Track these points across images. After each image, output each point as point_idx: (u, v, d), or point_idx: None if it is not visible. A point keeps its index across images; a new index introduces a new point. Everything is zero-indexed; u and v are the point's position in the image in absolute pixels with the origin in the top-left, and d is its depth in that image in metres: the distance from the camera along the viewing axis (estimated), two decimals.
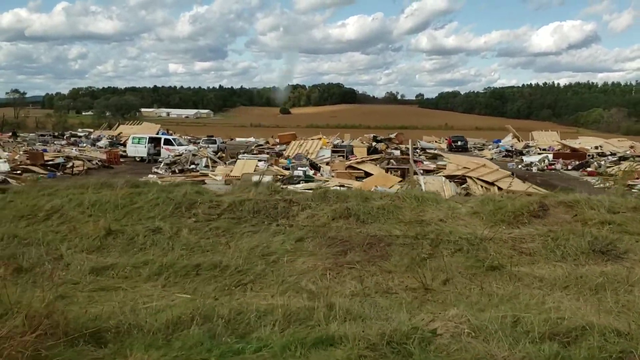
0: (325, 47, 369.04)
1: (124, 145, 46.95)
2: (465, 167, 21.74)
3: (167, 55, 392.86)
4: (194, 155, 33.65)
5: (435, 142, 54.33)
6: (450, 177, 20.83)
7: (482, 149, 48.89)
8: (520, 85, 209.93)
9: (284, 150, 43.18)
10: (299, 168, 29.19)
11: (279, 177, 27.47)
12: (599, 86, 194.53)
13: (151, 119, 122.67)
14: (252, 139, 63.58)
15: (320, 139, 45.68)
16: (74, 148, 40.82)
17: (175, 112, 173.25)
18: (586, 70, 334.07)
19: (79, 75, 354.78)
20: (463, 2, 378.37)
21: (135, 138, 38.57)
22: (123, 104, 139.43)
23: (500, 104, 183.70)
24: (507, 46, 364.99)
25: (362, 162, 30.99)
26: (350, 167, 29.92)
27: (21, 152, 34.19)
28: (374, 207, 12.09)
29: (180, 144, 38.42)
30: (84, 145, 44.98)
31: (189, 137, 54.52)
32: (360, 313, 5.45)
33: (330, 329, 4.82)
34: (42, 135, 52.45)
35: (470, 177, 20.20)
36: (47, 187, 12.61)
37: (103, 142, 45.74)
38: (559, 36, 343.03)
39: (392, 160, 32.59)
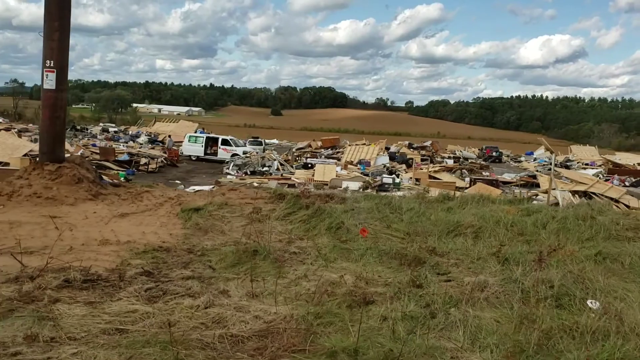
0: (316, 50, 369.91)
1: (162, 142, 46.16)
2: (581, 183, 21.90)
3: (156, 50, 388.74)
4: (262, 157, 33.24)
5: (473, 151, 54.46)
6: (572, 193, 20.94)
7: (520, 161, 49.36)
8: (507, 97, 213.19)
9: (332, 154, 43.03)
10: (383, 175, 29.09)
11: (369, 183, 27.33)
12: (585, 101, 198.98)
13: (143, 115, 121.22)
14: (275, 141, 63.29)
15: (364, 144, 45.65)
16: (122, 144, 39.91)
17: (167, 109, 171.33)
18: (571, 84, 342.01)
19: None
20: (455, 12, 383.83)
21: (192, 137, 38.04)
22: (115, 98, 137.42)
23: (490, 115, 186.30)
24: (495, 57, 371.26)
25: (439, 170, 31.02)
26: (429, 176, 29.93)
27: (82, 147, 33.32)
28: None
29: (237, 145, 37.93)
30: (123, 141, 44.04)
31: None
32: None
33: None
34: (74, 129, 51.20)
35: (594, 194, 20.35)
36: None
37: (142, 139, 44.82)
38: (547, 50, 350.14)
39: (464, 170, 32.72)
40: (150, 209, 7.68)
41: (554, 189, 19.88)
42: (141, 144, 43.22)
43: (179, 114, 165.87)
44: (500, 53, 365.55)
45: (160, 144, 44.95)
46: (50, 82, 8.26)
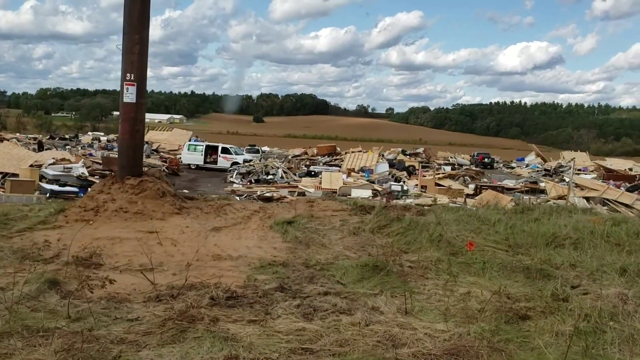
0: (297, 58, 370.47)
1: (157, 151, 45.70)
2: (593, 189, 22.30)
3: None
4: (265, 165, 33.14)
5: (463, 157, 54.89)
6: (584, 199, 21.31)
7: (512, 167, 49.97)
8: (486, 103, 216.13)
9: (330, 161, 43.08)
10: (391, 183, 29.22)
11: (378, 191, 27.42)
12: (563, 107, 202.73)
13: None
14: (266, 148, 63.09)
15: (360, 151, 45.78)
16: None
17: (148, 116, 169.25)
18: (548, 90, 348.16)
19: (42, 75, 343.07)
20: (435, 19, 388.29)
21: (192, 146, 37.83)
22: (95, 106, 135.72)
23: (470, 121, 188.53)
24: (474, 64, 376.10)
25: (443, 178, 31.28)
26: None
27: (82, 157, 32.90)
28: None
29: (237, 153, 37.77)
30: (116, 150, 43.49)
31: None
32: None
33: None
34: (62, 138, 50.42)
35: (608, 200, 20.73)
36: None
37: None
38: (525, 56, 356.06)
39: (466, 177, 33.03)
40: (239, 222, 7.61)
41: (565, 195, 20.19)
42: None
43: (160, 122, 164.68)
44: (479, 60, 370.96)
45: (155, 153, 44.54)
46: (130, 96, 8.16)
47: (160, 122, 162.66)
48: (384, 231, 7.49)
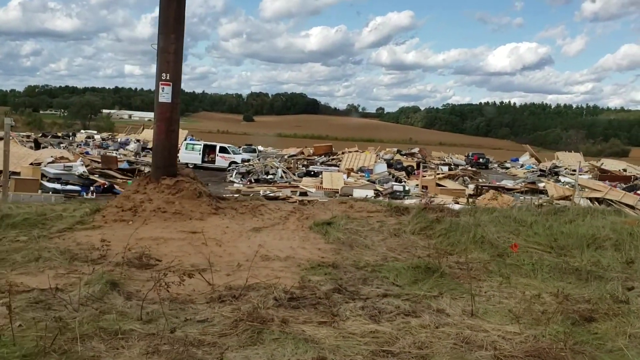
0: (287, 57, 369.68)
1: (150, 150, 45.39)
2: (596, 190, 22.49)
3: (124, 56, 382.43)
4: (265, 165, 33.08)
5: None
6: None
7: (507, 168, 50.24)
8: (476, 103, 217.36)
9: (327, 161, 43.06)
10: (393, 183, 29.28)
11: (380, 192, 27.45)
12: (552, 107, 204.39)
13: (114, 121, 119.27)
14: (260, 148, 62.90)
15: (356, 151, 45.83)
16: (113, 152, 39.15)
17: (137, 115, 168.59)
18: (537, 91, 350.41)
19: (30, 73, 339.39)
20: (426, 19, 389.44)
21: (190, 145, 37.63)
22: (85, 104, 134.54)
23: (460, 121, 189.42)
24: (463, 64, 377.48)
25: (443, 178, 31.40)
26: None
27: (80, 155, 32.62)
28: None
29: (234, 152, 37.66)
30: (112, 148, 43.19)
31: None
32: None
33: None
34: (55, 137, 49.89)
35: (611, 201, 20.91)
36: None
37: (132, 146, 44.03)
38: (514, 57, 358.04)
39: (465, 177, 33.17)
40: (277, 223, 7.55)
41: (569, 196, 20.34)
42: (132, 151, 42.47)
43: (149, 120, 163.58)
44: (468, 60, 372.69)
45: (149, 152, 44.18)
46: (166, 96, 8.08)
47: (150, 120, 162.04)
48: (425, 233, 7.47)
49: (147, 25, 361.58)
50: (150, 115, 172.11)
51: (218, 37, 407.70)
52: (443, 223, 7.65)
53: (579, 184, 23.65)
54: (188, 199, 7.61)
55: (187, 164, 36.60)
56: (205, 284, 5.31)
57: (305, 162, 40.66)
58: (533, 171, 44.96)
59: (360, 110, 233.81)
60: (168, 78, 8.25)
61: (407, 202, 24.51)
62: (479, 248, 7.08)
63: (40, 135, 53.72)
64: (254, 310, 4.64)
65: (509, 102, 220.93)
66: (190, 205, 7.53)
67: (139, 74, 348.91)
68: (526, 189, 30.21)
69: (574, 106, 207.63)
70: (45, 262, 5.60)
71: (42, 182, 22.14)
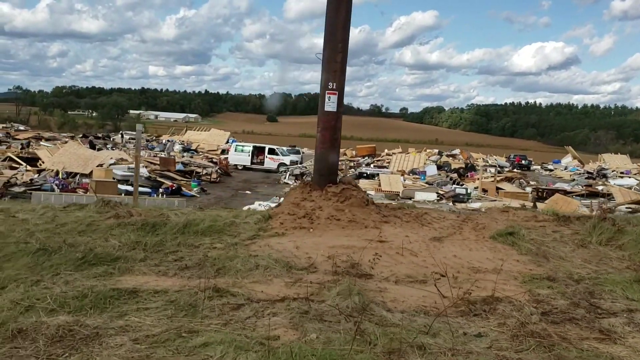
0: (309, 57, 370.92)
1: (196, 151, 45.63)
2: None
3: (149, 57, 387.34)
4: None
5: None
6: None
7: (551, 170, 49.55)
8: (500, 103, 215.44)
9: (371, 163, 42.89)
10: (455, 186, 29.01)
11: (442, 194, 27.21)
12: (578, 107, 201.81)
13: (143, 121, 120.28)
14: (305, 150, 62.90)
15: (401, 152, 45.63)
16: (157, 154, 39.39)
17: (163, 115, 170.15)
18: (563, 91, 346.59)
19: (56, 73, 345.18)
20: (451, 19, 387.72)
21: (239, 147, 37.85)
22: (114, 104, 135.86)
23: (485, 121, 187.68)
24: (488, 64, 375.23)
25: (500, 181, 31.06)
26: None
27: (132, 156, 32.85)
28: None
29: (283, 154, 37.70)
30: (158, 150, 43.51)
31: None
32: None
33: None
34: (97, 137, 50.39)
35: None
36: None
37: (177, 148, 44.34)
38: (540, 57, 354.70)
39: (522, 180, 32.79)
40: (454, 233, 7.40)
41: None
42: (179, 153, 42.70)
43: (175, 120, 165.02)
44: (493, 60, 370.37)
45: (194, 153, 44.45)
46: (332, 105, 8.04)
47: (176, 121, 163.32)
48: (612, 244, 7.26)
49: (171, 27, 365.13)
50: (175, 116, 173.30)
51: (242, 37, 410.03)
52: (628, 233, 7.44)
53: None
54: (357, 207, 7.51)
55: (236, 165, 36.83)
56: (429, 295, 5.21)
57: (351, 164, 40.57)
58: (580, 173, 44.24)
59: (383, 110, 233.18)
60: (334, 87, 8.22)
61: (474, 205, 24.33)
62: None
63: (81, 136, 54.32)
64: (521, 325, 4.52)
65: (534, 102, 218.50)
66: (361, 214, 7.43)
67: (162, 74, 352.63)
68: (586, 192, 29.71)
69: (602, 106, 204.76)
70: (266, 270, 5.52)
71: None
